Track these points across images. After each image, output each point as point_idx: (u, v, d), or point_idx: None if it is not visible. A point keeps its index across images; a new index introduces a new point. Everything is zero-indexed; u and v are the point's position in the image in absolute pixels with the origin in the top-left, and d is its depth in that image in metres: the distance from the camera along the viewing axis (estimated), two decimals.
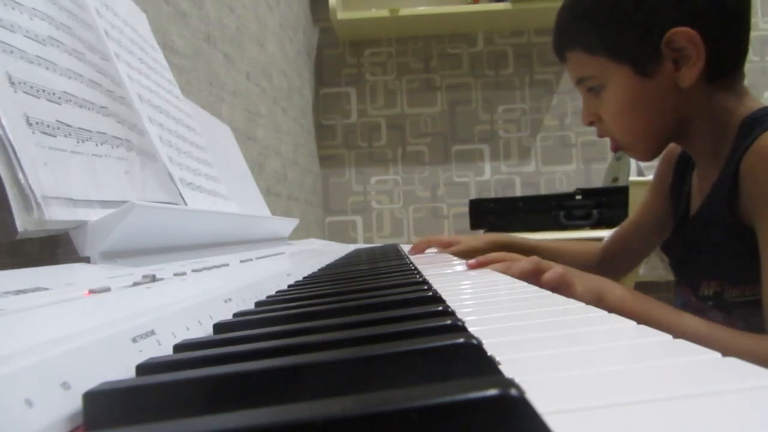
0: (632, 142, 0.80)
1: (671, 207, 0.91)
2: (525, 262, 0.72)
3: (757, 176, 0.66)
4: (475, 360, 0.21)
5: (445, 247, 1.10)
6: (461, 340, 0.21)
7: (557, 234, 1.82)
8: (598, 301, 0.68)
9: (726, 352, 0.60)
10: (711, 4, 0.71)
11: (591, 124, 0.82)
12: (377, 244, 2.27)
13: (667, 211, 0.93)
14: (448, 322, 0.26)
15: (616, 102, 0.76)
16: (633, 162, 1.94)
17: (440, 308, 0.31)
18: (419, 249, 1.10)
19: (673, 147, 0.91)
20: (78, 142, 0.47)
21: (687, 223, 0.83)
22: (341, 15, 2.28)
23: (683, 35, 0.70)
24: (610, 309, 0.68)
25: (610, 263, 1.05)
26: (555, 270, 0.69)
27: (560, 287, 0.69)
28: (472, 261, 0.73)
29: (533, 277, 0.70)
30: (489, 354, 0.22)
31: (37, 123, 0.42)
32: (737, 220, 0.69)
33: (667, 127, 0.77)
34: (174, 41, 1.02)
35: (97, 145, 0.50)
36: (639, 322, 0.69)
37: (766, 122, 0.68)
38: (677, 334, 0.67)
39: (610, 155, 2.42)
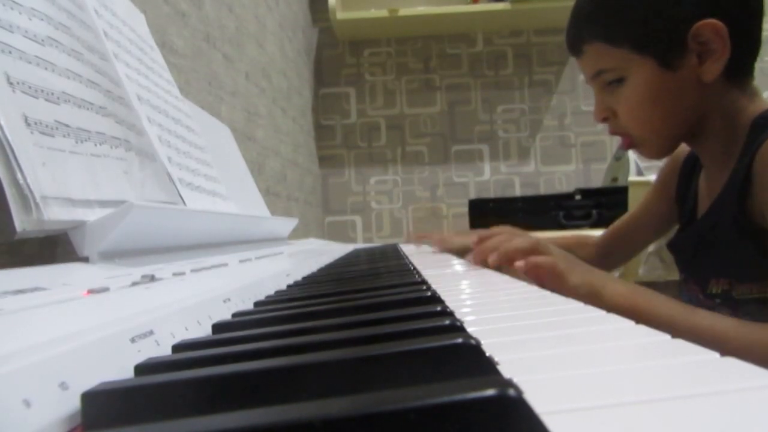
0: (648, 137, 0.79)
1: (677, 210, 0.92)
2: (522, 240, 0.72)
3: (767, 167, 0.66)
4: (473, 360, 0.21)
5: (438, 243, 1.13)
6: (459, 340, 0.21)
7: (557, 234, 1.82)
8: (594, 295, 0.67)
9: (745, 347, 0.56)
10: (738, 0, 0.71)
11: (604, 120, 0.82)
12: (377, 244, 2.27)
13: (669, 213, 0.94)
14: (447, 322, 0.26)
15: (637, 95, 0.76)
16: (632, 162, 1.94)
17: (439, 308, 0.31)
18: (416, 238, 1.14)
19: (677, 153, 0.91)
20: (77, 142, 0.47)
21: (695, 223, 0.83)
22: (340, 15, 2.28)
23: (710, 28, 0.70)
24: (609, 304, 0.66)
25: (606, 256, 1.07)
26: (548, 258, 0.69)
27: (551, 276, 0.69)
28: (473, 237, 0.75)
29: (527, 257, 0.70)
30: (487, 354, 0.22)
31: (35, 123, 0.42)
32: (748, 219, 0.69)
33: (684, 123, 0.77)
34: (173, 41, 1.02)
35: (95, 145, 0.50)
36: (642, 318, 0.64)
37: None
38: (689, 330, 0.60)
39: (609, 155, 2.42)
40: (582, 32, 0.79)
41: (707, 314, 0.64)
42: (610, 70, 0.77)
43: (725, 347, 0.59)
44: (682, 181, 0.90)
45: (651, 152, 0.82)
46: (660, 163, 1.00)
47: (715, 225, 0.76)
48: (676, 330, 0.58)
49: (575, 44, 0.81)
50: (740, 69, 0.74)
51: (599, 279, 0.69)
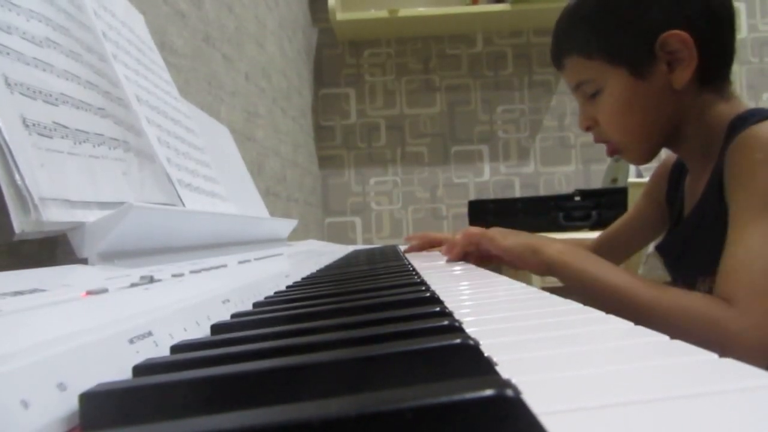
0: (628, 144, 0.83)
1: (667, 215, 0.94)
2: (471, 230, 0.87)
3: (732, 162, 0.69)
4: (472, 360, 0.21)
5: (434, 245, 1.21)
6: (458, 340, 0.21)
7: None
8: (533, 253, 0.77)
9: (642, 302, 0.64)
10: (702, 10, 0.75)
11: (588, 129, 0.86)
12: (376, 245, 2.27)
13: (660, 217, 0.99)
14: (446, 322, 0.26)
15: (613, 104, 0.80)
16: None
17: (438, 309, 0.31)
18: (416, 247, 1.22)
19: (667, 159, 0.95)
20: (75, 144, 0.47)
21: (681, 225, 0.86)
22: (340, 15, 2.28)
23: (677, 38, 0.74)
24: (547, 261, 0.75)
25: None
26: (477, 230, 0.85)
27: (486, 244, 0.83)
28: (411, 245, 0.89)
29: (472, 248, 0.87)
30: (486, 354, 0.22)
31: (34, 124, 0.42)
32: (728, 215, 0.71)
33: (661, 128, 0.80)
34: (173, 41, 1.02)
35: (94, 146, 0.50)
36: (572, 274, 0.73)
37: (751, 121, 0.70)
38: (601, 285, 0.69)
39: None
40: (561, 47, 0.84)
41: (627, 274, 0.70)
42: (588, 81, 0.81)
43: (636, 304, 0.65)
44: (672, 186, 0.93)
45: (633, 158, 0.86)
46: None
47: (699, 224, 0.79)
48: (598, 286, 0.69)
49: (557, 58, 0.85)
50: (713, 75, 0.77)
51: (538, 239, 0.79)
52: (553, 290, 0.44)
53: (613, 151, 0.85)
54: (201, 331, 0.33)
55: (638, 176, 1.87)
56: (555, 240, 0.79)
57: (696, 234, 0.80)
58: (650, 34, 0.74)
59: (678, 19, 0.74)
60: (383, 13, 2.29)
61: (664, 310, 0.64)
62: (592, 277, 0.70)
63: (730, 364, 0.19)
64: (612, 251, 1.09)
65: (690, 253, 0.82)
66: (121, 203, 0.45)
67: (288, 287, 0.56)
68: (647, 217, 1.01)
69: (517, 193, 2.53)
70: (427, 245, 1.24)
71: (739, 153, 0.69)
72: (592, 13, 0.80)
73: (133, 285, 0.38)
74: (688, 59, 0.74)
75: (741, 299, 0.61)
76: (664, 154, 0.93)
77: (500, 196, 2.50)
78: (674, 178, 0.93)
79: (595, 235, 1.17)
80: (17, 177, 0.38)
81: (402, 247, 1.35)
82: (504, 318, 0.33)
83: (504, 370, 0.21)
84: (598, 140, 0.86)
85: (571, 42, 0.82)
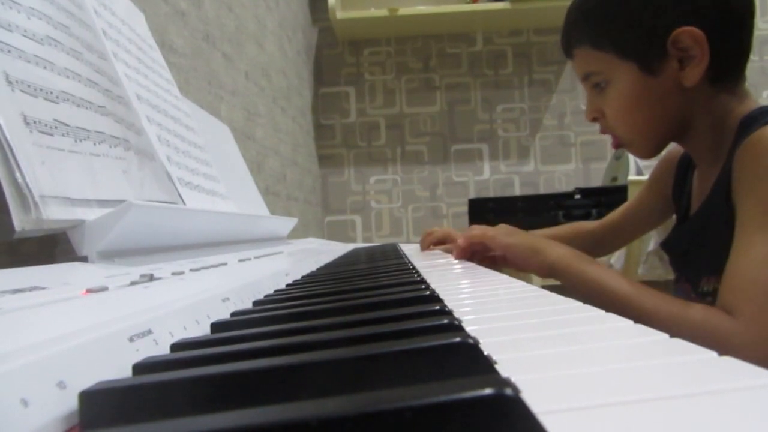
0: (634, 138, 0.81)
1: (672, 208, 0.93)
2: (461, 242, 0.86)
3: (742, 165, 0.68)
4: (471, 359, 0.21)
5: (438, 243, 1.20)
6: (457, 339, 0.21)
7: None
8: (535, 253, 0.77)
9: (644, 311, 0.63)
10: (717, 6, 0.73)
11: (594, 120, 0.84)
12: (376, 243, 2.27)
13: (663, 209, 0.98)
14: (445, 321, 0.26)
15: (621, 98, 0.78)
16: (632, 161, 1.94)
17: (437, 307, 0.31)
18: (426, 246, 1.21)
19: (673, 151, 0.94)
20: (76, 142, 0.47)
21: (687, 222, 0.85)
22: (340, 14, 2.28)
23: (689, 35, 0.72)
24: (548, 263, 0.75)
25: (599, 245, 1.12)
26: (477, 232, 0.84)
27: (490, 244, 0.83)
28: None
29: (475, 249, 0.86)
30: (486, 353, 0.22)
31: (34, 122, 0.42)
32: (734, 215, 0.70)
33: (669, 125, 0.79)
34: (173, 40, 1.02)
35: (94, 144, 0.50)
36: (573, 278, 0.73)
37: (762, 120, 0.69)
38: (603, 292, 0.69)
39: (609, 155, 2.43)
40: (571, 36, 0.83)
41: (629, 282, 0.70)
42: (596, 73, 0.80)
43: (636, 311, 0.66)
44: (678, 180, 0.92)
45: (638, 152, 0.85)
46: None
47: (705, 223, 0.78)
48: (600, 292, 0.69)
49: (567, 47, 0.84)
50: (725, 73, 0.75)
51: (542, 241, 0.79)
52: (553, 289, 0.44)
53: (618, 144, 0.84)
54: (201, 330, 0.33)
55: (638, 174, 1.87)
56: (558, 244, 0.78)
57: (701, 233, 0.79)
58: (662, 30, 0.73)
59: (692, 16, 0.72)
60: (383, 12, 2.29)
61: (665, 320, 0.63)
62: (593, 282, 0.70)
63: (730, 363, 0.19)
64: (614, 237, 1.10)
65: (695, 251, 0.81)
66: (121, 201, 0.45)
67: (288, 285, 0.56)
68: (651, 207, 1.01)
69: (517, 192, 2.53)
70: (434, 240, 1.22)
71: (749, 156, 0.67)
72: (603, 3, 0.78)
73: (133, 283, 0.38)
74: (700, 57, 0.72)
75: (744, 312, 0.60)
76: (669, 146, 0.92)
77: (500, 194, 2.50)
78: (681, 172, 0.91)
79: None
80: (18, 175, 0.38)
81: (403, 246, 1.35)
82: (504, 317, 0.33)
83: (503, 369, 0.21)
84: (604, 132, 0.84)
85: (582, 32, 0.81)
